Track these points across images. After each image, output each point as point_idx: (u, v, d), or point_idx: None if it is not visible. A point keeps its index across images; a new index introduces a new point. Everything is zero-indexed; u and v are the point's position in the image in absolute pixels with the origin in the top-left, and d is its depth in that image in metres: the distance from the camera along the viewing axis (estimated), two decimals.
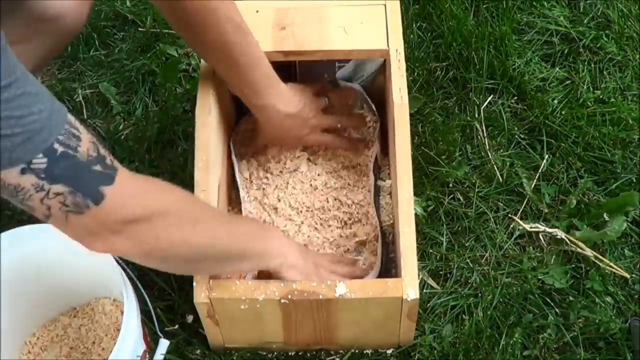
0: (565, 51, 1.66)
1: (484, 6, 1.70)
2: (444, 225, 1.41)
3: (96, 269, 1.18)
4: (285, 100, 1.28)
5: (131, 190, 0.92)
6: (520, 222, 1.41)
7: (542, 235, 1.40)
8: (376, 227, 1.29)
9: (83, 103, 1.59)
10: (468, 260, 1.37)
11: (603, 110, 1.55)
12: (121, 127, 1.55)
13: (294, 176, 1.37)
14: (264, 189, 1.36)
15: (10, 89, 0.76)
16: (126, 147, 1.51)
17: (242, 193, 1.34)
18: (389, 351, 1.28)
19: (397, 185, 1.20)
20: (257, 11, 1.32)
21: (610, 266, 1.35)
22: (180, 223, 0.99)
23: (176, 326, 1.30)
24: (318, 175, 1.38)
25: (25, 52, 1.15)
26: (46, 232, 1.15)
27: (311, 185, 1.37)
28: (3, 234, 1.15)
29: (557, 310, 1.32)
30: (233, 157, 1.36)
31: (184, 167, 1.47)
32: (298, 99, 1.30)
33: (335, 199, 1.35)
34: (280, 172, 1.37)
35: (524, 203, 1.44)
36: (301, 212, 1.34)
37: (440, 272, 1.37)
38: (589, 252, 1.37)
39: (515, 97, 1.59)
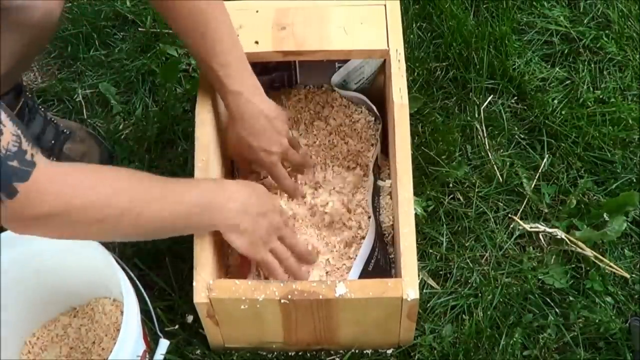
0: (565, 51, 1.66)
1: (484, 6, 1.70)
2: (444, 225, 1.41)
3: (96, 268, 1.18)
4: (261, 96, 1.23)
5: (48, 187, 0.92)
6: (520, 222, 1.41)
7: (542, 235, 1.40)
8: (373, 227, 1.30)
9: (83, 103, 1.59)
10: (468, 260, 1.38)
11: (603, 110, 1.55)
12: (121, 127, 1.55)
13: (293, 175, 1.37)
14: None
15: None
16: (126, 147, 1.51)
17: None
18: (389, 351, 1.28)
19: (397, 185, 1.20)
20: (257, 11, 1.32)
21: (610, 266, 1.35)
22: (104, 215, 0.98)
23: (176, 326, 1.30)
24: (318, 174, 1.38)
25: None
26: None
27: (310, 185, 1.37)
28: (3, 234, 1.15)
29: (557, 310, 1.32)
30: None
31: (184, 167, 1.47)
32: (275, 104, 1.26)
33: (335, 199, 1.35)
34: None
35: (524, 203, 1.44)
36: (299, 212, 1.34)
37: (440, 272, 1.37)
38: (589, 252, 1.37)
39: (515, 97, 1.59)
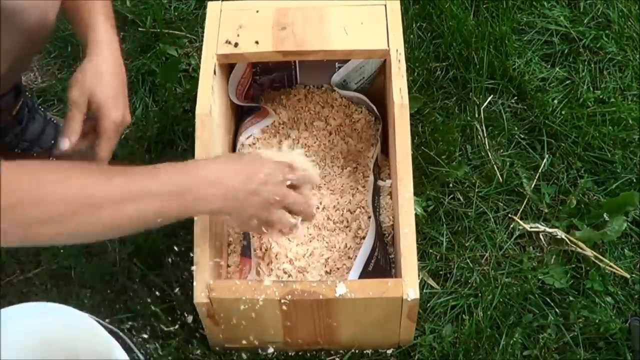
0: (565, 51, 1.66)
1: (484, 6, 1.70)
2: (444, 225, 1.41)
3: (97, 352, 1.12)
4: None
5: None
6: (520, 222, 1.41)
7: (542, 235, 1.40)
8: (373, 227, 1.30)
9: None
10: (468, 260, 1.37)
11: (603, 110, 1.55)
12: None
13: None
14: None
15: None
16: (126, 147, 1.51)
17: None
18: (389, 351, 1.28)
19: (397, 185, 1.20)
20: (257, 11, 1.32)
21: (610, 266, 1.35)
22: (56, 212, 0.91)
23: (176, 326, 1.30)
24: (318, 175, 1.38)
25: None
26: (48, 309, 1.09)
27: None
28: (3, 310, 1.11)
29: (557, 310, 1.32)
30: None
31: None
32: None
33: (335, 199, 1.35)
34: None
35: (524, 203, 1.44)
36: None
37: (440, 272, 1.37)
38: (589, 252, 1.37)
39: (515, 97, 1.59)
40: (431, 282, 1.35)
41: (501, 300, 1.33)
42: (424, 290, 1.34)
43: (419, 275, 1.16)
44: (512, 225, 1.42)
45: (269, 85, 1.47)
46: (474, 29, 1.64)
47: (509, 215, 1.43)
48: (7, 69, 1.20)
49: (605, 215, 1.39)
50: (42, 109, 1.47)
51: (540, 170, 1.48)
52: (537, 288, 1.34)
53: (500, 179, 1.47)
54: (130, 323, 1.31)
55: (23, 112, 1.40)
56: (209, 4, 1.35)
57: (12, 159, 1.44)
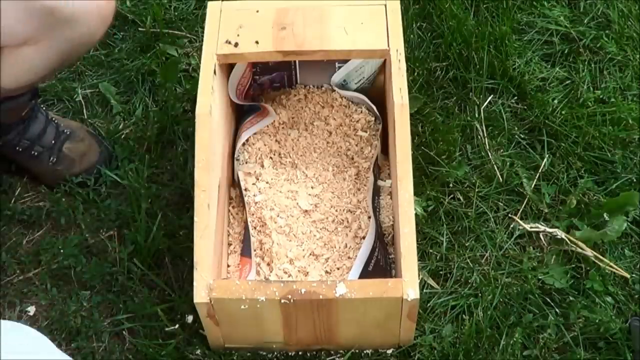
0: (565, 51, 1.66)
1: (484, 6, 1.70)
2: (444, 225, 1.41)
3: None
4: None
5: None
6: (520, 222, 1.41)
7: (542, 235, 1.40)
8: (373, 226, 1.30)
9: (83, 103, 1.59)
10: (468, 260, 1.38)
11: (603, 110, 1.55)
12: (121, 127, 1.55)
13: (293, 175, 1.37)
14: (264, 188, 1.36)
15: None
16: (126, 147, 1.51)
17: (245, 193, 1.34)
18: (389, 351, 1.28)
19: (397, 186, 1.20)
20: (257, 11, 1.32)
21: (610, 266, 1.35)
22: None
23: (176, 326, 1.30)
24: (318, 174, 1.38)
25: (35, 54, 1.18)
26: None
27: (309, 185, 1.37)
28: (3, 322, 1.08)
29: (557, 310, 1.32)
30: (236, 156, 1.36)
31: (184, 167, 1.47)
32: None
33: (335, 199, 1.35)
34: (281, 171, 1.38)
35: (524, 203, 1.44)
36: (300, 211, 1.34)
37: (440, 272, 1.37)
38: (589, 252, 1.37)
39: (515, 97, 1.59)
40: (431, 282, 1.35)
41: (501, 300, 1.33)
42: (424, 290, 1.34)
43: (419, 275, 1.16)
44: (512, 225, 1.42)
45: (269, 85, 1.47)
46: (474, 29, 1.64)
47: (509, 215, 1.43)
48: (46, 76, 1.28)
49: (605, 215, 1.39)
50: (44, 108, 1.47)
51: (540, 170, 1.48)
52: (537, 288, 1.34)
53: (500, 179, 1.47)
54: (130, 323, 1.31)
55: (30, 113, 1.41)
56: (209, 4, 1.35)
57: (13, 158, 1.46)
